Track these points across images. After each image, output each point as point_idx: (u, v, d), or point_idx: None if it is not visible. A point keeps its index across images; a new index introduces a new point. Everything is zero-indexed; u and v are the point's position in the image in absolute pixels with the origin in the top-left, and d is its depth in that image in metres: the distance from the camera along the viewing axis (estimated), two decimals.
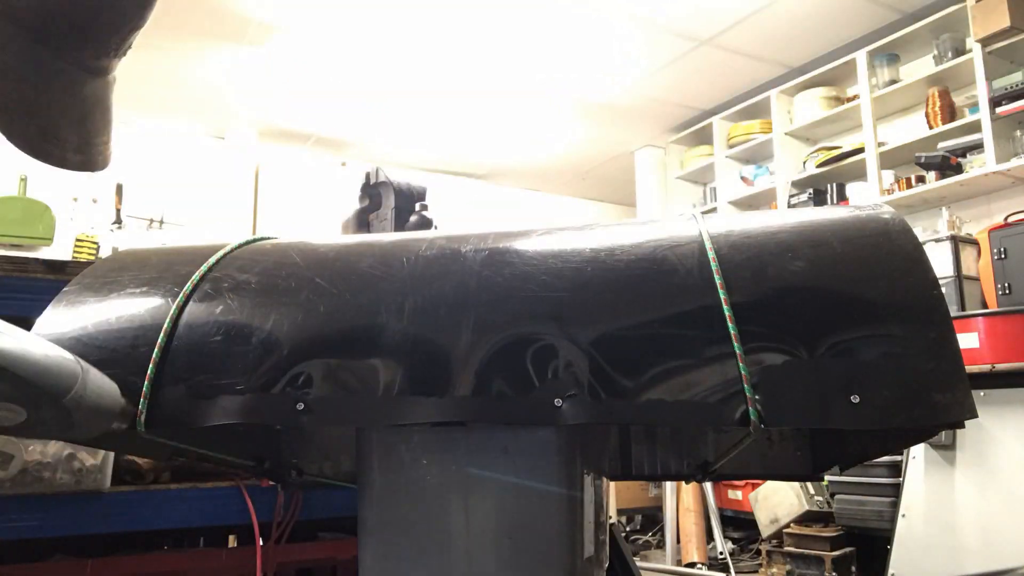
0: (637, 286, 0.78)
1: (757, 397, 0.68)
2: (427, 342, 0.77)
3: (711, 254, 0.79)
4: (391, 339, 0.79)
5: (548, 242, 0.87)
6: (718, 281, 0.75)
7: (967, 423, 0.68)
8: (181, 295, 0.87)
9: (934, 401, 0.68)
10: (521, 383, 0.73)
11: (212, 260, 0.93)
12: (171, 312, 0.85)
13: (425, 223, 1.99)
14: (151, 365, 0.81)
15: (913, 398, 0.68)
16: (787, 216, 0.87)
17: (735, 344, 0.71)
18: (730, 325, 0.72)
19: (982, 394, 2.86)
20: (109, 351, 0.84)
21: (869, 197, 4.33)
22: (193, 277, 0.89)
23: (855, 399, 0.67)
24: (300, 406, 0.76)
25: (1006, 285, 3.36)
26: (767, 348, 0.71)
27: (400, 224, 2.02)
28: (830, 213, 0.86)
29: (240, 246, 1.02)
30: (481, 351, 0.75)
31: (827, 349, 0.71)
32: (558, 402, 0.71)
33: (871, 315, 0.72)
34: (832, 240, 0.79)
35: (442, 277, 0.83)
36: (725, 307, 0.73)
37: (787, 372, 0.70)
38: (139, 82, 4.93)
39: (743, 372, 0.69)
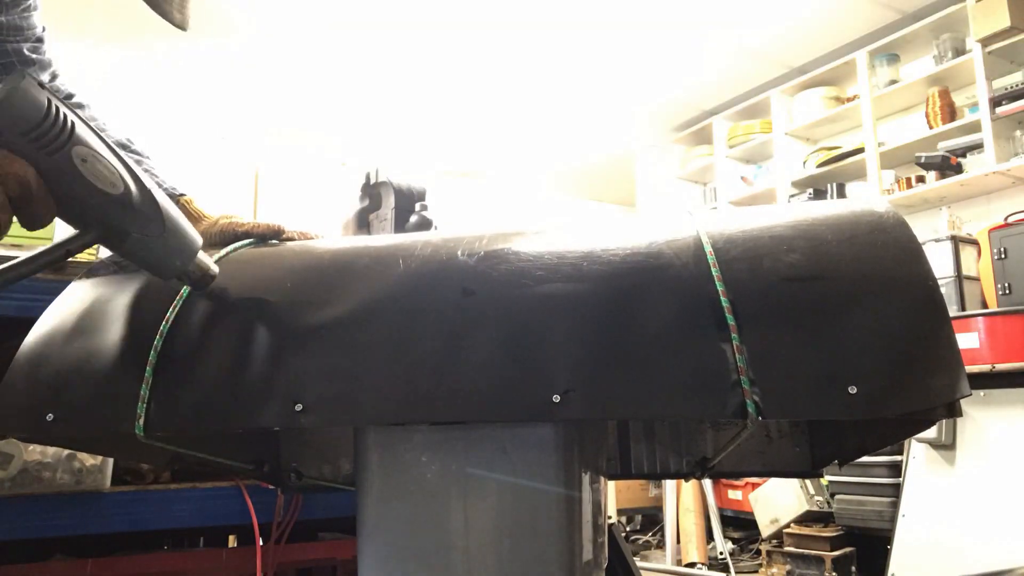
0: (634, 280, 0.78)
1: (754, 389, 0.68)
2: (424, 341, 0.77)
3: (708, 247, 0.79)
4: (387, 339, 0.79)
5: (544, 239, 0.87)
6: (715, 274, 0.76)
7: (967, 425, 0.68)
8: (178, 298, 0.87)
9: (929, 386, 0.68)
10: (518, 380, 0.73)
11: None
12: (168, 315, 0.85)
13: (425, 223, 1.99)
14: (147, 369, 0.81)
15: (909, 385, 0.69)
16: (783, 211, 0.87)
17: (733, 336, 0.71)
18: (728, 317, 0.72)
19: (982, 394, 2.86)
20: (107, 355, 0.84)
21: (869, 197, 4.34)
22: None
23: (852, 390, 0.68)
24: (299, 407, 0.76)
25: (1006, 285, 3.36)
26: (764, 340, 0.71)
27: (400, 224, 2.02)
28: (825, 207, 0.86)
29: (238, 248, 1.02)
30: (478, 348, 0.75)
31: (824, 340, 0.71)
32: (556, 398, 0.71)
33: (867, 306, 0.73)
34: (827, 233, 0.79)
35: (439, 275, 0.83)
36: (723, 299, 0.73)
37: (784, 364, 0.70)
38: (137, 80, 4.93)
39: (740, 364, 0.69)
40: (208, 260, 0.87)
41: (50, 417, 0.82)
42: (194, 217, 1.16)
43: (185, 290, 0.88)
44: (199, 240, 0.84)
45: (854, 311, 0.72)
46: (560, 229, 0.90)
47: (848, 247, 0.78)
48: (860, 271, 0.75)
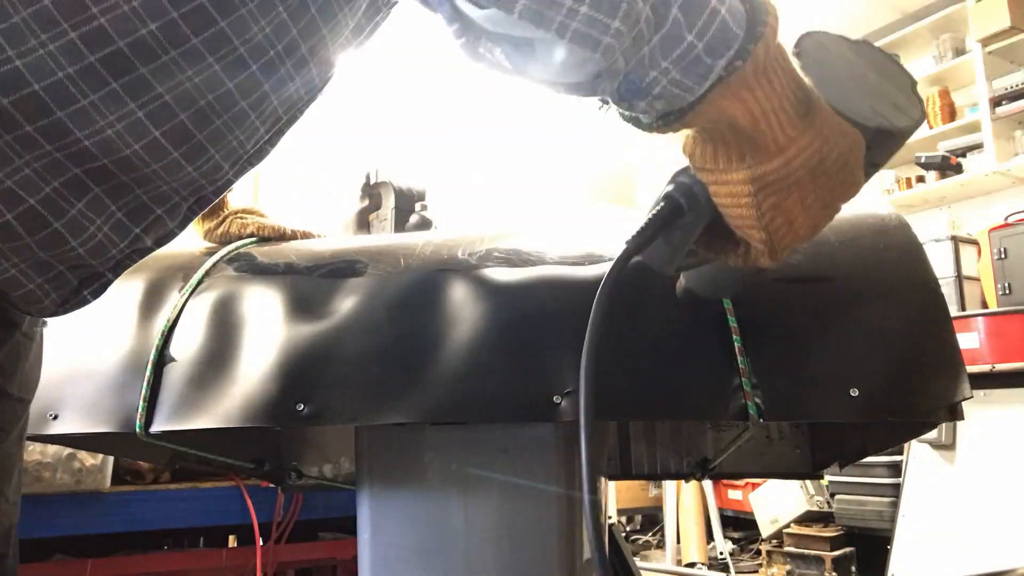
0: (635, 280, 0.78)
1: (756, 392, 0.68)
2: (425, 340, 0.77)
3: None
4: (389, 338, 0.79)
5: (546, 239, 0.87)
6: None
7: (967, 425, 0.68)
8: (181, 297, 0.87)
9: (931, 389, 0.68)
10: (519, 380, 0.74)
11: (209, 263, 0.93)
12: (170, 315, 0.86)
13: (425, 223, 1.99)
14: (148, 367, 0.81)
15: (911, 388, 0.69)
16: None
17: (735, 338, 0.71)
18: (729, 318, 0.72)
19: (982, 394, 2.85)
20: (108, 354, 0.84)
21: (869, 197, 4.33)
22: (191, 280, 0.90)
23: (854, 392, 0.68)
24: (300, 407, 0.76)
25: (1006, 285, 3.36)
26: (766, 342, 0.71)
27: (400, 224, 2.02)
28: None
29: (240, 247, 1.02)
30: (479, 348, 0.75)
31: (825, 343, 0.71)
32: (557, 399, 0.71)
33: (869, 309, 0.73)
34: (829, 235, 0.79)
35: (439, 274, 0.83)
36: (725, 300, 0.73)
37: (786, 366, 0.70)
38: None
39: (742, 366, 0.69)
40: None
41: (52, 416, 0.82)
42: (217, 206, 1.09)
43: (187, 289, 0.88)
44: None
45: (856, 314, 0.72)
46: (561, 229, 0.90)
47: (850, 250, 0.78)
48: (862, 274, 0.75)
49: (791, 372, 0.70)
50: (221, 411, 0.78)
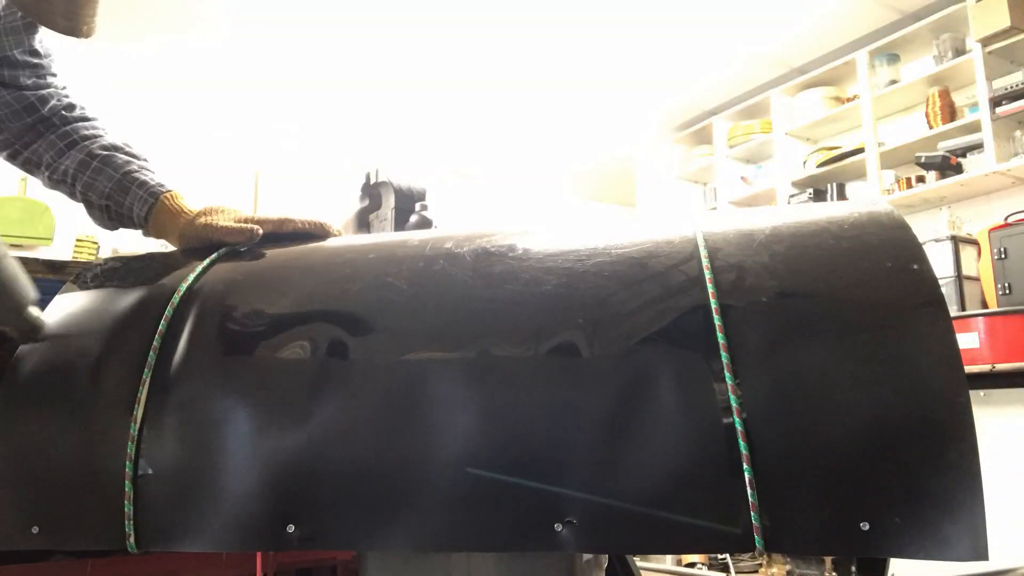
0: (639, 414, 0.73)
1: (764, 524, 0.66)
2: (416, 455, 0.75)
3: (725, 356, 0.74)
4: (375, 451, 0.76)
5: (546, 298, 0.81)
6: (734, 405, 0.71)
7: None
8: (141, 387, 0.82)
9: (946, 534, 0.64)
10: (519, 507, 0.72)
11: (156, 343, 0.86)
12: (136, 414, 0.81)
13: (425, 223, 1.99)
14: (127, 483, 0.78)
15: (924, 528, 0.65)
16: (811, 280, 0.80)
17: (745, 467, 0.68)
18: (741, 443, 0.69)
19: (982, 394, 2.86)
20: (83, 465, 0.82)
21: (869, 197, 4.33)
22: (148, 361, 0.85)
23: (864, 526, 0.65)
24: (291, 528, 0.74)
25: (1006, 285, 3.36)
26: (776, 472, 0.68)
27: (400, 224, 2.02)
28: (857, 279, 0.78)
29: (215, 260, 1.00)
30: (477, 468, 0.73)
31: (839, 469, 0.68)
32: (557, 527, 0.70)
33: (886, 432, 0.68)
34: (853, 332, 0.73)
35: (425, 372, 0.79)
36: (736, 421, 0.70)
37: (795, 498, 0.67)
38: (137, 80, 4.93)
39: (752, 500, 0.67)
40: (37, 316, 0.86)
41: (35, 531, 0.80)
42: (175, 212, 1.17)
43: (147, 373, 0.83)
44: (27, 297, 0.84)
45: (874, 452, 0.68)
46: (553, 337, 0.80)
47: (874, 354, 0.72)
48: (880, 390, 0.70)
49: (799, 504, 0.67)
50: (210, 534, 0.77)
